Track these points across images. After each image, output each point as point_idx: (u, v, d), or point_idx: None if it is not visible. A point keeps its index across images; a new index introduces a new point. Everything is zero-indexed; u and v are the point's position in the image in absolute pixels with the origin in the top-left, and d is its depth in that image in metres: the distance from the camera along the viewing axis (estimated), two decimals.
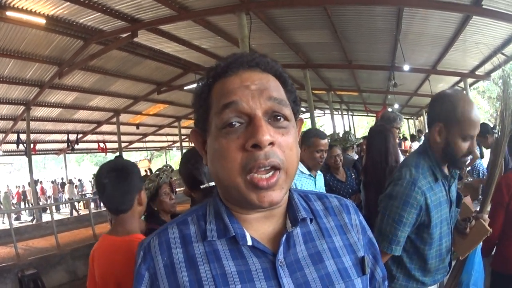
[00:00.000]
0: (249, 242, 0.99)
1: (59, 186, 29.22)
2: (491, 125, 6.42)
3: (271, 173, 0.92)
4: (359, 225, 1.18)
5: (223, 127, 0.95)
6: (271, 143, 0.91)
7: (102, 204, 16.26)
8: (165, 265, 1.00)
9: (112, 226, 2.39)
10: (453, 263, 2.46)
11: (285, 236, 1.02)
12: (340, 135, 9.87)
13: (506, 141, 2.38)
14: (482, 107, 28.27)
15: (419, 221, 2.19)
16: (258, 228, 1.04)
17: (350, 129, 28.00)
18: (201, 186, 2.37)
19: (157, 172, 3.76)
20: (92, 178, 27.40)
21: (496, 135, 2.44)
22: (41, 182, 29.55)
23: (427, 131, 2.65)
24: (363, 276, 1.08)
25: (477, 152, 6.38)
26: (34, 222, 18.82)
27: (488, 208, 2.44)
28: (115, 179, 2.19)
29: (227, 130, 0.94)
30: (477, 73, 15.31)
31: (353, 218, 1.18)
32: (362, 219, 1.21)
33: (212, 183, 2.29)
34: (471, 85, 17.53)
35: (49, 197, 28.66)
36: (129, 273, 2.08)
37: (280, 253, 0.99)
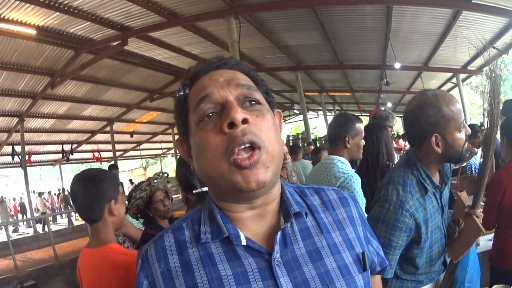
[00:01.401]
0: (244, 242, 0.99)
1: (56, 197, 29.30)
2: (480, 123, 6.46)
3: (251, 152, 0.92)
4: (358, 217, 1.17)
5: (200, 120, 0.98)
6: (245, 121, 0.93)
7: None
8: (162, 273, 1.01)
9: (90, 238, 2.43)
10: (448, 260, 2.44)
11: (280, 233, 1.00)
12: None
13: (496, 132, 2.36)
14: (476, 102, 28.28)
15: (409, 240, 2.12)
16: (252, 227, 1.04)
17: None
18: (194, 191, 2.36)
19: (148, 181, 3.75)
20: None
21: (485, 129, 2.41)
22: (45, 193, 29.45)
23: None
24: (364, 273, 1.06)
25: (475, 149, 6.48)
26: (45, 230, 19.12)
27: (481, 203, 2.42)
28: (84, 188, 2.21)
29: (204, 122, 0.98)
30: (469, 68, 15.37)
31: (353, 211, 1.16)
32: (361, 210, 1.20)
33: (205, 188, 2.27)
34: (463, 80, 17.57)
35: (48, 208, 28.64)
36: (109, 284, 2.06)
37: (277, 252, 0.98)
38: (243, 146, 0.92)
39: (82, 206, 2.23)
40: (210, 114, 0.97)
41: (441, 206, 2.24)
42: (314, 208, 1.12)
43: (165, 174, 3.89)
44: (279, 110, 1.17)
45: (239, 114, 0.92)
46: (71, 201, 2.37)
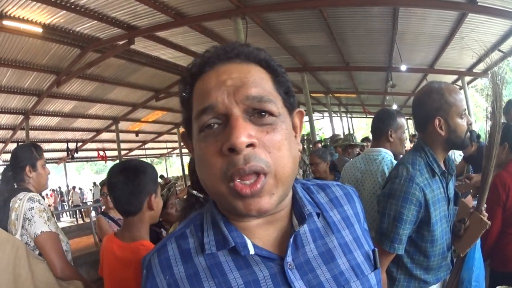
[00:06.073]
0: (252, 251, 0.91)
1: (61, 195, 29.49)
2: (477, 134, 6.50)
3: (253, 179, 0.82)
4: (361, 212, 1.11)
5: (202, 130, 0.86)
6: (251, 145, 0.81)
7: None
8: (168, 284, 0.94)
9: (121, 228, 2.32)
10: (455, 260, 2.46)
11: (293, 236, 0.94)
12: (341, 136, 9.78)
13: (499, 133, 2.40)
14: (481, 105, 28.15)
15: (419, 218, 2.16)
16: (260, 234, 0.95)
17: (349, 131, 28.01)
18: (192, 191, 2.15)
19: (169, 188, 3.72)
20: (93, 186, 27.48)
21: (487, 131, 2.48)
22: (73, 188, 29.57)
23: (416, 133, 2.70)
24: (376, 270, 1.02)
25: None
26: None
27: (485, 205, 2.44)
28: (124, 180, 2.10)
29: (205, 133, 0.86)
30: (474, 70, 15.34)
31: (357, 207, 1.11)
32: (361, 204, 1.15)
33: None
34: (469, 83, 17.51)
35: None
36: (132, 280, 1.97)
37: (289, 255, 0.92)
38: (244, 175, 0.82)
39: (120, 198, 2.12)
40: (212, 124, 0.85)
41: (447, 197, 2.31)
42: (322, 207, 1.05)
43: (177, 179, 3.89)
44: (302, 110, 1.02)
45: (242, 139, 0.79)
46: (107, 192, 2.21)
